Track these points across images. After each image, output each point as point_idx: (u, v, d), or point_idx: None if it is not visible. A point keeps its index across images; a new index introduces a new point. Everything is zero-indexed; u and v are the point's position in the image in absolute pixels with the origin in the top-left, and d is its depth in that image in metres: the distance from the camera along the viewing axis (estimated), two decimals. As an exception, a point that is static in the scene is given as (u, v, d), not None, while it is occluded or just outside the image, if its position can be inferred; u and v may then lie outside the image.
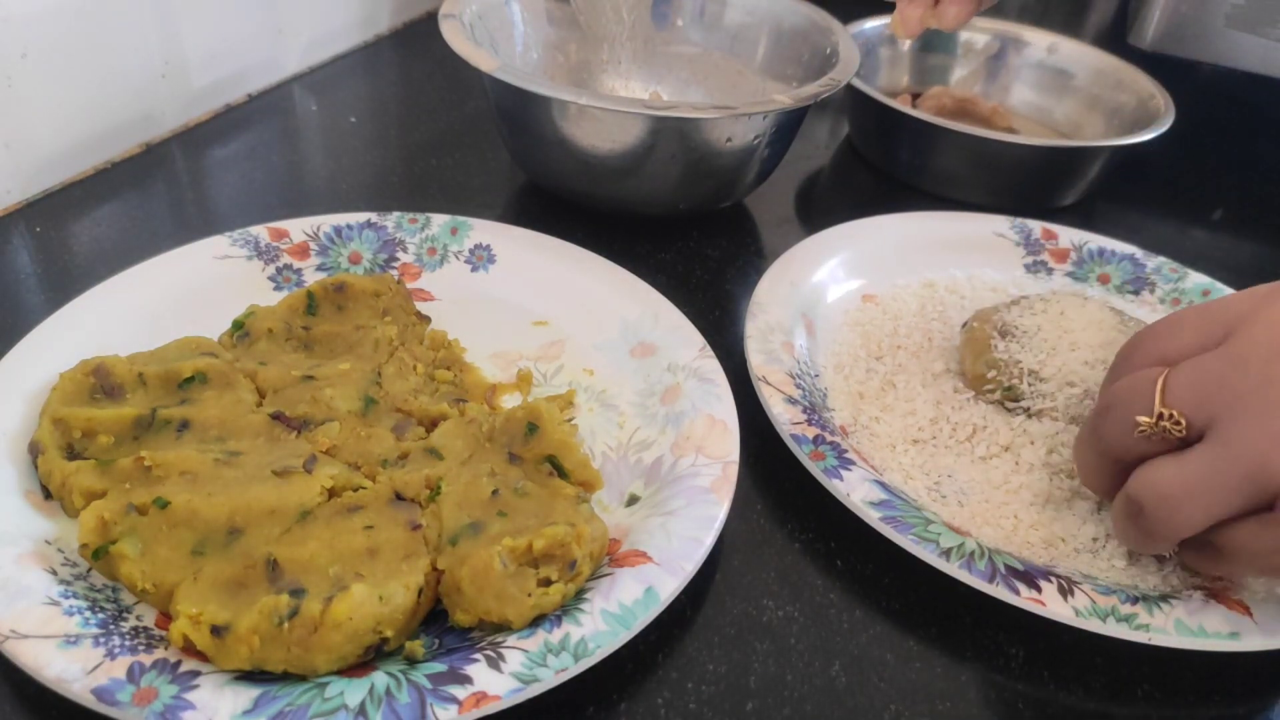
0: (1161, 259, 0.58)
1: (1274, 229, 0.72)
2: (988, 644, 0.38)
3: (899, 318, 0.53)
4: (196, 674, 0.32)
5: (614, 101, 0.53)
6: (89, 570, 0.35)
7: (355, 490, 0.38)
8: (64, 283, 0.51)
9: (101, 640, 0.32)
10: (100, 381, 0.41)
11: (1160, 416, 0.35)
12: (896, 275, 0.56)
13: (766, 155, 0.59)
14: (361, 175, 0.65)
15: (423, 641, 0.34)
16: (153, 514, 0.35)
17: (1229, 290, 0.56)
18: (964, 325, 0.50)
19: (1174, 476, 0.34)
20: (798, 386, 0.45)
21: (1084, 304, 0.48)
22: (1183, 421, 0.34)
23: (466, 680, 0.32)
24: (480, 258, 0.53)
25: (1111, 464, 0.37)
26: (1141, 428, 0.35)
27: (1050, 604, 0.37)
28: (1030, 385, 0.45)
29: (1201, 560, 0.37)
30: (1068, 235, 0.59)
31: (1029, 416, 0.45)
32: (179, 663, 0.32)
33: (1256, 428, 0.33)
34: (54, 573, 0.34)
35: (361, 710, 0.31)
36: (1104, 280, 0.58)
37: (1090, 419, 0.39)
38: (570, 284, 0.52)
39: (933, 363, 0.50)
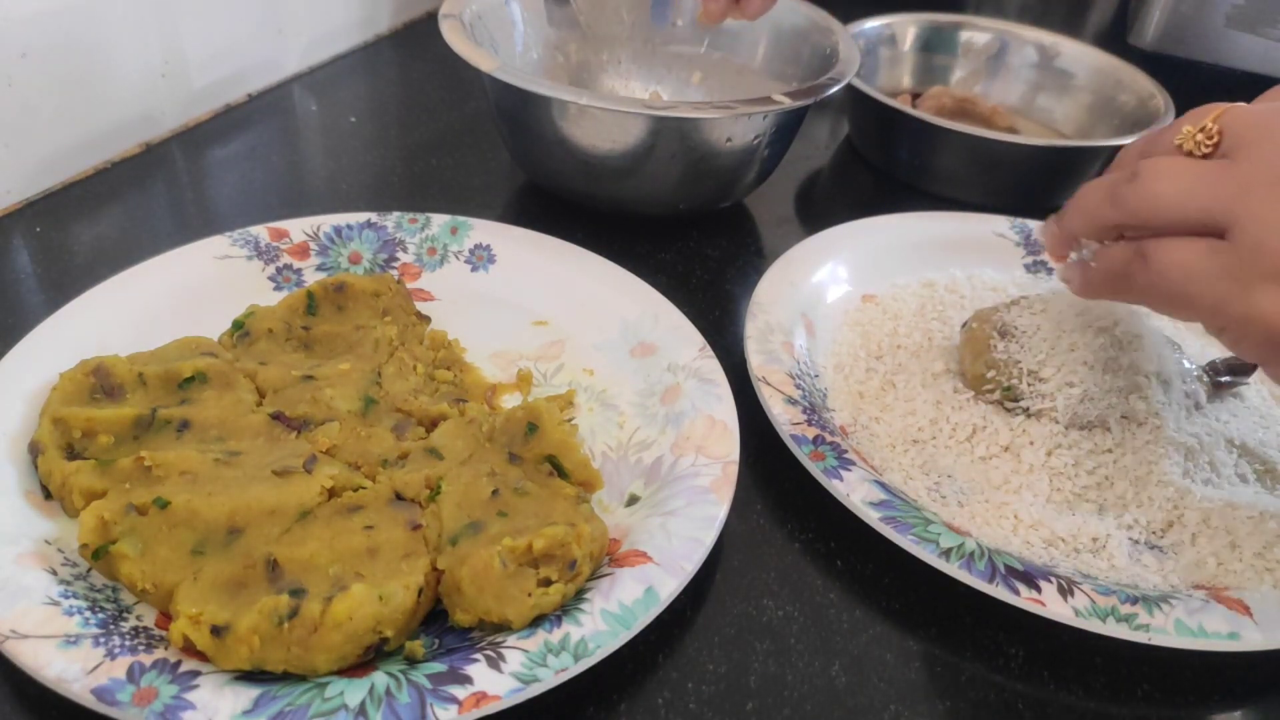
0: (1161, 259, 0.58)
1: (1274, 229, 0.72)
2: (988, 644, 0.38)
3: (898, 317, 0.53)
4: (196, 674, 0.32)
5: (614, 101, 0.53)
6: (89, 570, 0.35)
7: (355, 490, 0.38)
8: (64, 283, 0.51)
9: (101, 640, 0.32)
10: (100, 381, 0.41)
11: (1202, 129, 0.36)
12: (896, 275, 0.56)
13: (766, 155, 0.59)
14: (361, 175, 0.65)
15: (423, 641, 0.34)
16: (153, 514, 0.35)
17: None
18: (963, 325, 0.50)
19: (1186, 168, 0.36)
20: (797, 387, 0.45)
21: (1083, 305, 0.48)
22: (1216, 138, 0.36)
23: (466, 680, 0.32)
24: (480, 258, 0.53)
25: (1120, 214, 0.38)
26: (1182, 135, 0.37)
27: (1050, 604, 0.37)
28: (1029, 385, 0.45)
29: (1119, 264, 0.37)
30: (1068, 235, 0.59)
31: (1028, 417, 0.45)
32: (179, 663, 0.32)
33: (1269, 163, 0.34)
34: (54, 573, 0.34)
35: (361, 710, 0.31)
36: (1104, 280, 0.58)
37: (1127, 154, 0.40)
38: (570, 284, 0.52)
39: (932, 363, 0.49)
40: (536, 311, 0.51)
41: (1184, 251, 0.35)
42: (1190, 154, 0.36)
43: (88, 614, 0.33)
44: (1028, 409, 0.45)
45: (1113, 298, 0.40)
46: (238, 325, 0.46)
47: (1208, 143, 0.36)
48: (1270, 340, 0.33)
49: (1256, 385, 0.50)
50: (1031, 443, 0.44)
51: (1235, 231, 0.34)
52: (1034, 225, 0.60)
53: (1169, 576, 0.40)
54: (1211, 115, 0.36)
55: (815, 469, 0.41)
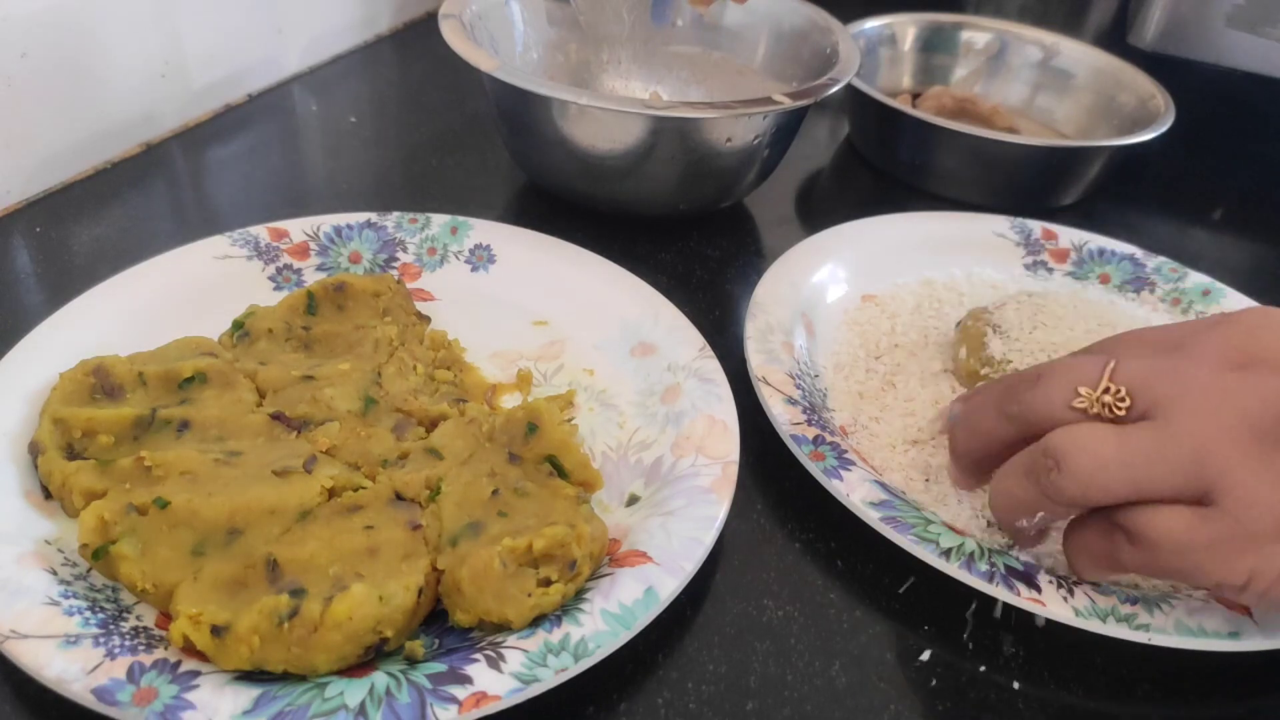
0: (1161, 259, 0.58)
1: (1274, 229, 0.72)
2: (988, 644, 0.38)
3: (895, 316, 0.53)
4: (196, 674, 0.32)
5: (614, 101, 0.53)
6: (89, 570, 0.35)
7: (355, 490, 0.38)
8: (64, 283, 0.51)
9: (101, 640, 0.32)
10: (100, 381, 0.41)
11: (1106, 390, 0.34)
12: (896, 275, 0.56)
13: (766, 155, 0.59)
14: (361, 175, 0.65)
15: (423, 641, 0.34)
16: (153, 514, 0.35)
17: (1229, 289, 0.56)
18: (959, 323, 0.50)
19: (1109, 439, 0.33)
20: (798, 387, 0.45)
21: (1076, 301, 0.48)
22: (1128, 400, 0.34)
23: (466, 680, 0.32)
24: (480, 258, 0.53)
25: (1015, 431, 0.36)
26: (1081, 398, 0.34)
27: (1050, 604, 0.37)
28: None
29: (1097, 546, 0.35)
30: (1068, 235, 0.59)
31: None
32: (179, 663, 0.32)
33: (1205, 417, 0.33)
34: (54, 573, 0.34)
35: (361, 710, 0.31)
36: (1104, 280, 0.58)
37: (1005, 383, 0.37)
38: (570, 284, 0.52)
39: (930, 361, 0.50)
40: (536, 311, 0.51)
41: (1173, 525, 0.33)
42: (1099, 416, 0.34)
43: (88, 614, 0.33)
44: None
45: (1103, 578, 0.38)
46: (238, 325, 0.46)
47: (1120, 405, 0.34)
48: (1253, 595, 0.33)
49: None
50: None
51: (1217, 497, 0.32)
52: (1034, 225, 0.60)
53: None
54: (1104, 376, 0.34)
55: (815, 469, 0.41)
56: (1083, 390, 0.34)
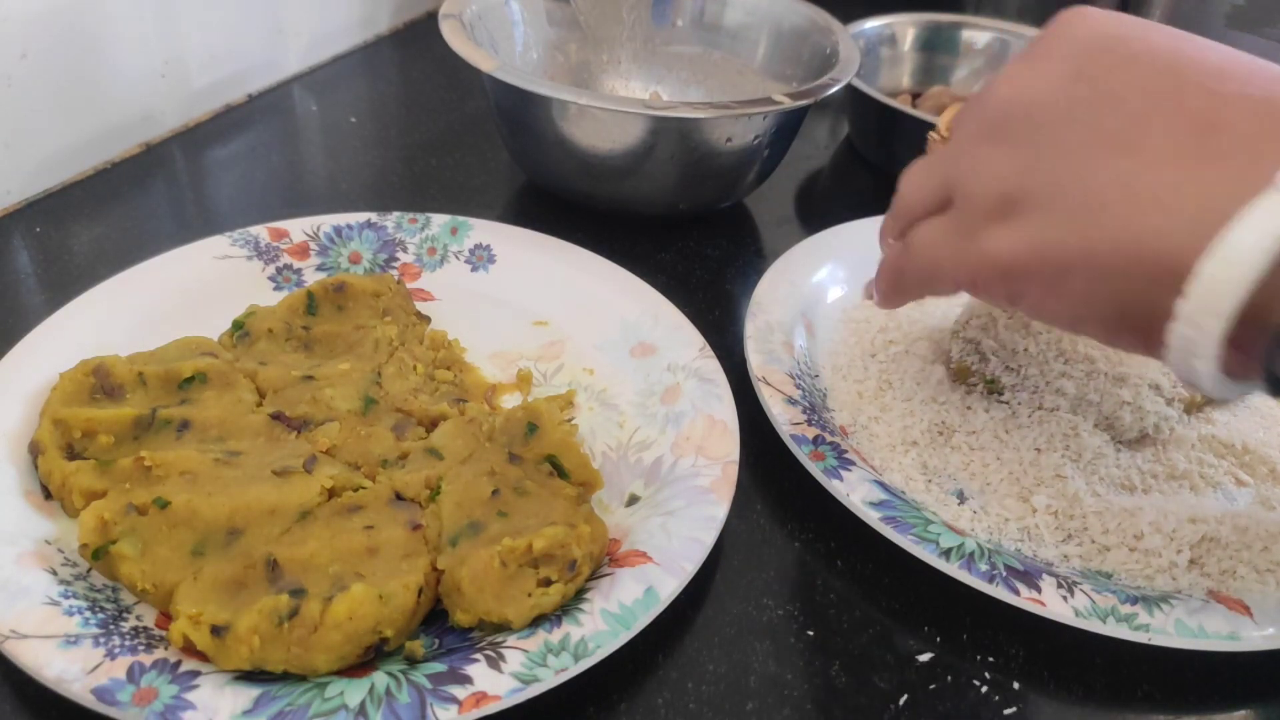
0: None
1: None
2: (988, 644, 0.38)
3: (892, 314, 0.53)
4: (196, 674, 0.32)
5: (614, 101, 0.53)
6: (89, 570, 0.35)
7: (355, 490, 0.38)
8: (64, 283, 0.51)
9: (101, 640, 0.32)
10: (100, 381, 0.41)
11: (939, 130, 0.43)
12: (896, 275, 0.56)
13: (766, 155, 0.59)
14: (361, 175, 0.65)
15: (423, 641, 0.34)
16: (153, 514, 0.35)
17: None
18: (956, 321, 0.50)
19: (919, 161, 0.39)
20: (798, 387, 0.45)
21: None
22: (948, 134, 0.41)
23: (466, 680, 0.32)
24: (480, 258, 0.53)
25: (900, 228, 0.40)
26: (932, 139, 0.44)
27: (1050, 604, 0.37)
28: (1011, 378, 0.45)
29: (890, 263, 0.39)
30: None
31: (1013, 410, 0.45)
32: (179, 663, 0.32)
33: (959, 134, 0.36)
34: (54, 573, 0.34)
35: (361, 710, 0.31)
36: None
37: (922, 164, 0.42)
38: (570, 284, 0.52)
39: (924, 358, 0.49)
40: (536, 311, 0.51)
41: (925, 227, 0.37)
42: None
43: (88, 614, 0.33)
44: (1008, 402, 0.45)
45: (899, 297, 0.40)
46: (238, 325, 0.46)
47: (940, 138, 0.41)
48: (1006, 276, 0.33)
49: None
50: (1017, 434, 0.44)
51: (954, 195, 0.35)
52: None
53: (1178, 577, 0.40)
54: (946, 116, 0.42)
55: (815, 469, 0.41)
56: (932, 135, 0.45)
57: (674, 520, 0.38)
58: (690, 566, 0.36)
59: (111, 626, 0.33)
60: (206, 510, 0.36)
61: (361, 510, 0.37)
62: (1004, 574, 0.37)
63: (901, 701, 0.36)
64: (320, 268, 0.52)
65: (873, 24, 0.76)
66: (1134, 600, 0.37)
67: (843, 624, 0.39)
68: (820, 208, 0.68)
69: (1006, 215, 0.32)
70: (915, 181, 0.38)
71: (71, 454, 0.38)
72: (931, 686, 0.37)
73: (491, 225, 0.54)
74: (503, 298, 0.52)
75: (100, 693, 0.30)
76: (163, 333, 0.45)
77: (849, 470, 0.41)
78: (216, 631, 0.32)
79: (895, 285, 0.40)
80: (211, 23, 0.66)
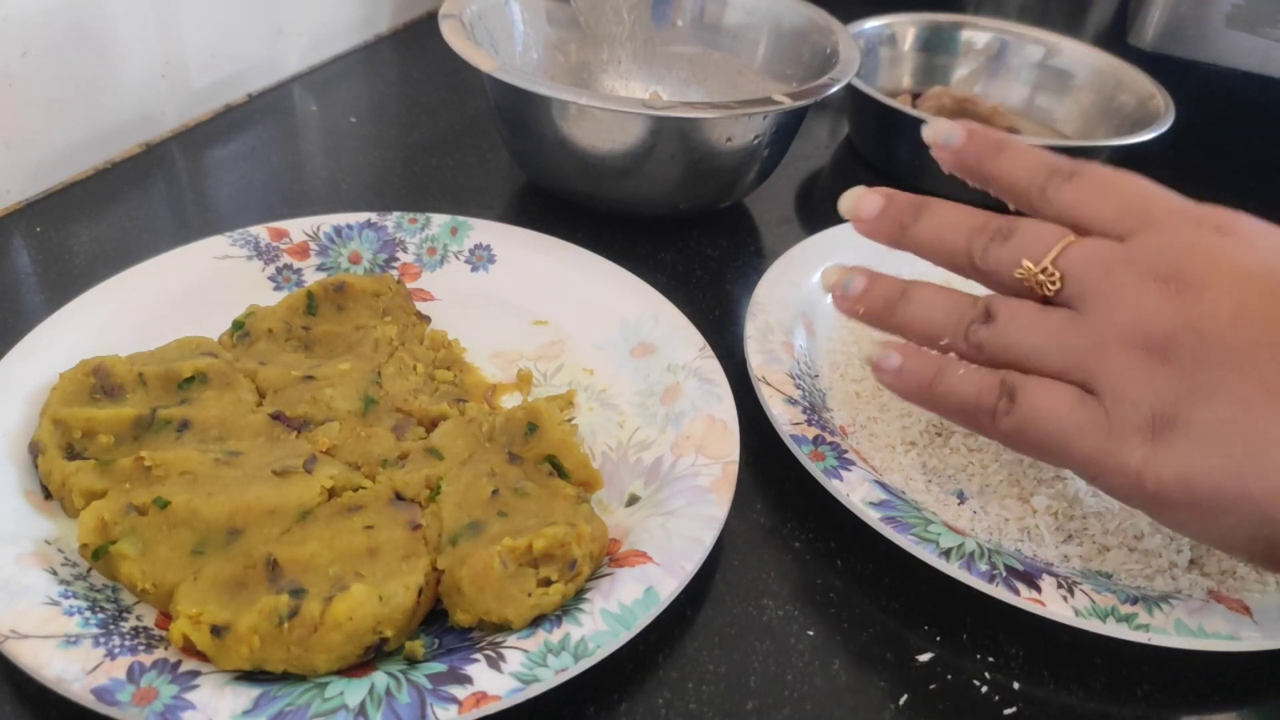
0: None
1: (1274, 229, 0.72)
2: (988, 644, 0.38)
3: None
4: (196, 674, 0.32)
5: (614, 101, 0.53)
6: (89, 570, 0.35)
7: (355, 490, 0.38)
8: (64, 283, 0.51)
9: (101, 640, 0.32)
10: (100, 381, 0.41)
11: (1044, 270, 0.37)
12: (896, 275, 0.56)
13: (766, 155, 0.59)
14: (361, 175, 0.65)
15: (423, 641, 0.34)
16: (153, 514, 0.35)
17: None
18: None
19: (1035, 311, 0.37)
20: (798, 387, 0.45)
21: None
22: (1059, 284, 0.37)
23: (466, 680, 0.32)
24: (480, 258, 0.53)
25: (966, 263, 0.40)
26: (1022, 270, 0.38)
27: (1050, 604, 0.37)
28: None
29: (978, 398, 0.37)
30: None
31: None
32: (179, 663, 0.32)
33: (1112, 317, 0.35)
34: (54, 573, 0.34)
35: (361, 710, 0.31)
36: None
37: (980, 222, 0.40)
38: (570, 284, 0.52)
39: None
40: (536, 311, 0.51)
41: (1054, 400, 0.36)
42: (1032, 290, 0.38)
43: (88, 614, 0.33)
44: None
45: (965, 425, 0.39)
46: (238, 325, 0.46)
47: (1051, 285, 0.37)
48: (1141, 493, 0.35)
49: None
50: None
51: (1097, 387, 0.35)
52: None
53: (1179, 578, 0.40)
54: (1049, 255, 0.37)
55: (815, 469, 0.41)
56: (1025, 263, 0.38)
57: (674, 520, 0.38)
58: (690, 566, 0.36)
59: (111, 626, 0.33)
60: (206, 510, 0.36)
61: (361, 510, 0.37)
62: (1004, 574, 0.37)
63: (901, 701, 0.36)
64: (320, 268, 0.52)
65: (873, 24, 0.76)
66: (1134, 600, 0.37)
67: (843, 624, 0.39)
68: (820, 208, 0.68)
69: (1159, 434, 0.34)
70: (1036, 338, 0.37)
71: (71, 454, 0.38)
72: (931, 686, 0.37)
73: (491, 225, 0.54)
74: (503, 298, 0.52)
75: (100, 693, 0.30)
76: (163, 333, 0.45)
77: (849, 470, 0.41)
78: (216, 631, 0.32)
79: (967, 420, 0.38)
80: (211, 23, 0.66)
